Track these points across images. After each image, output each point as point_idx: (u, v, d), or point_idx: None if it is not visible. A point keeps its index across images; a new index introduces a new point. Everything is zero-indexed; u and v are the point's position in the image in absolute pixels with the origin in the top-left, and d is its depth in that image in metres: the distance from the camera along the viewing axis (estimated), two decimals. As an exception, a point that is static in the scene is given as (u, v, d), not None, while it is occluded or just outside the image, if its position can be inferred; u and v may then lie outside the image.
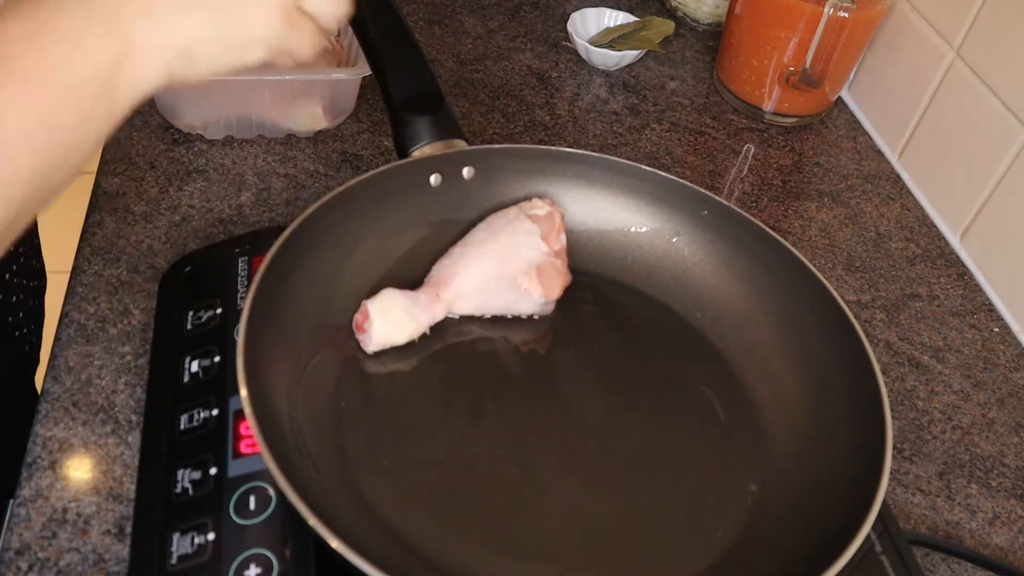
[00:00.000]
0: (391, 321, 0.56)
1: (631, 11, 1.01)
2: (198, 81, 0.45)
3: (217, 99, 0.76)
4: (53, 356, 0.59)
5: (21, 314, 0.71)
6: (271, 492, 0.49)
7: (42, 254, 0.79)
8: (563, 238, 0.62)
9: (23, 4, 0.40)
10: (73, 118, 0.41)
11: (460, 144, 0.63)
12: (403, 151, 0.62)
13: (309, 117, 0.79)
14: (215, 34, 0.44)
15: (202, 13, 0.43)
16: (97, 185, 0.72)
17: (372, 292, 0.57)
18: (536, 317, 0.61)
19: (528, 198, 0.63)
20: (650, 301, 0.64)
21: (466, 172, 0.63)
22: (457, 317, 0.59)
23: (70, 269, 0.65)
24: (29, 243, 0.75)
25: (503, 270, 0.59)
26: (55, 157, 0.40)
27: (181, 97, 0.75)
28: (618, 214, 0.65)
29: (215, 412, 0.53)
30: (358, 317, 0.56)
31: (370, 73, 0.67)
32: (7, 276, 0.69)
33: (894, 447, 0.63)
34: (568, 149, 0.65)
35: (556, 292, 0.60)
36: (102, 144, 0.43)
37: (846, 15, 0.82)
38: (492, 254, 0.59)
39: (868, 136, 0.95)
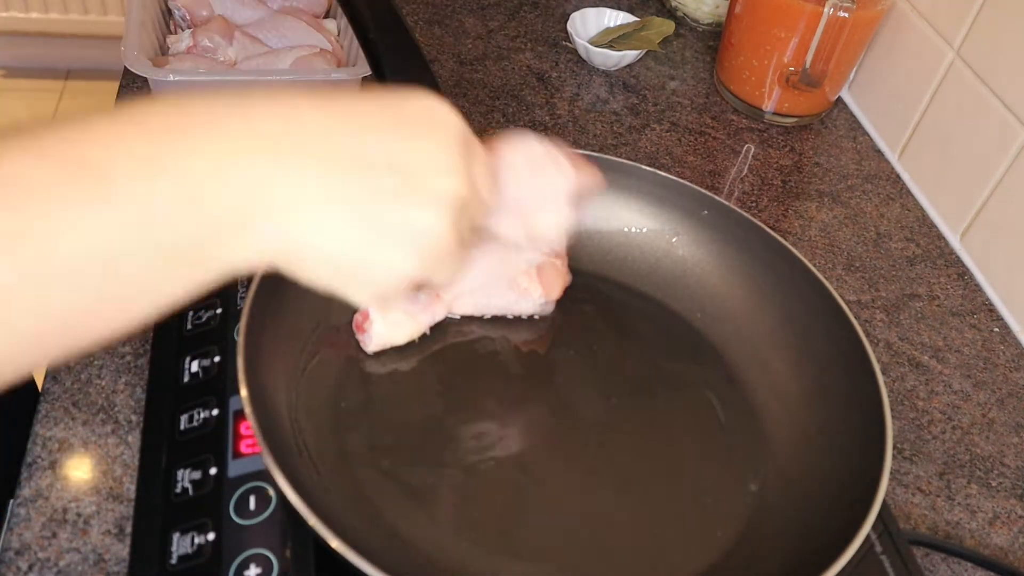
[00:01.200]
0: (391, 321, 0.56)
1: (631, 11, 1.01)
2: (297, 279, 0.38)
3: None
4: (53, 356, 0.59)
5: None
6: (271, 492, 0.49)
7: None
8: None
9: (181, 99, 0.35)
10: (148, 262, 0.33)
11: (460, 144, 0.63)
12: (403, 151, 0.62)
13: (309, 117, 0.79)
14: (352, 240, 0.37)
15: (350, 207, 0.37)
16: (97, 185, 0.72)
17: (372, 292, 0.57)
18: (536, 317, 0.61)
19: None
20: (650, 301, 0.63)
21: (466, 172, 0.63)
22: (457, 317, 0.59)
23: (70, 269, 0.65)
24: None
25: (503, 270, 0.59)
26: (101, 304, 0.33)
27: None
28: (618, 214, 0.65)
29: (215, 412, 0.53)
30: (358, 317, 0.56)
31: (370, 73, 0.67)
32: None
33: (894, 447, 0.63)
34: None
35: (556, 292, 0.60)
36: (153, 316, 0.35)
37: (846, 15, 0.82)
38: (492, 254, 0.59)
39: (868, 136, 0.95)
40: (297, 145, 0.36)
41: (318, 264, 0.37)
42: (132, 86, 0.82)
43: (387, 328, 0.56)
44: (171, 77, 0.72)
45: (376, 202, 0.37)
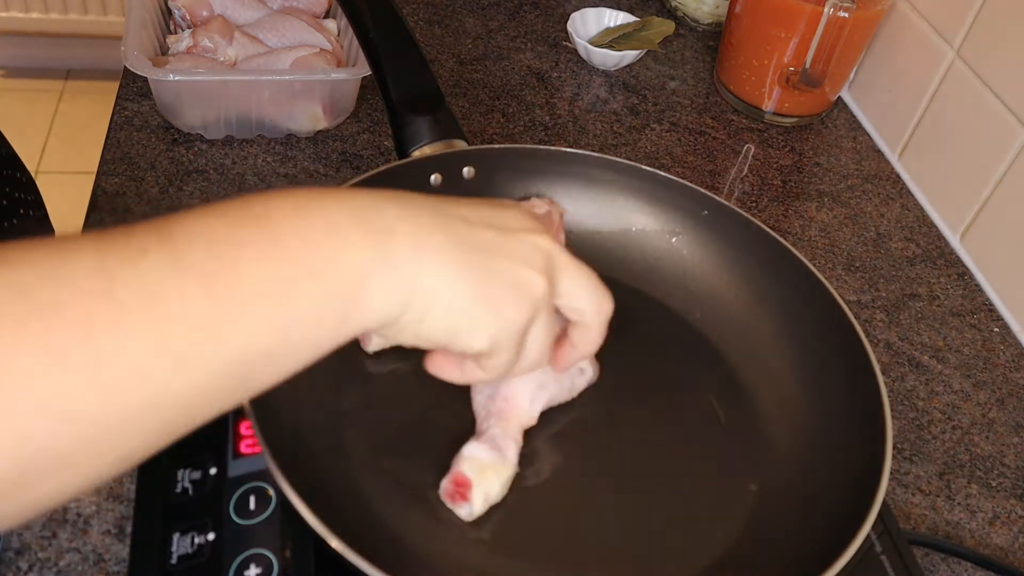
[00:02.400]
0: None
1: (631, 11, 1.01)
2: (398, 341, 0.41)
3: (217, 99, 0.76)
4: (53, 356, 0.59)
5: None
6: (271, 492, 0.49)
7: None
8: (562, 236, 0.62)
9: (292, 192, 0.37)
10: (292, 332, 0.35)
11: (460, 144, 0.63)
12: (403, 151, 0.62)
13: (309, 117, 0.79)
14: (463, 294, 0.39)
15: (463, 255, 0.40)
16: (97, 185, 0.72)
17: (372, 292, 0.57)
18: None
19: (527, 197, 0.63)
20: (650, 301, 0.63)
21: (466, 172, 0.63)
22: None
23: (70, 269, 0.65)
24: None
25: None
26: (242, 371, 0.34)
27: (181, 97, 0.75)
28: (618, 214, 0.65)
29: (215, 412, 0.53)
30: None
31: (370, 73, 0.67)
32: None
33: (894, 447, 0.63)
34: (568, 149, 0.65)
35: None
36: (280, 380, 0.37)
37: (846, 15, 0.82)
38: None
39: (868, 136, 0.95)
40: (409, 202, 0.40)
41: (440, 311, 0.39)
42: (132, 86, 0.82)
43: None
44: (171, 77, 0.72)
45: (483, 252, 0.40)
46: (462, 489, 0.49)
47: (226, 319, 0.32)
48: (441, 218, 0.40)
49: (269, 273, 0.34)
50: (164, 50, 0.82)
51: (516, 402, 0.53)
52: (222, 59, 0.80)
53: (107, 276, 0.30)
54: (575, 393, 0.56)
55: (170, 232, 0.33)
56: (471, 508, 0.49)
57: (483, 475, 0.49)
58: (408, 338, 0.41)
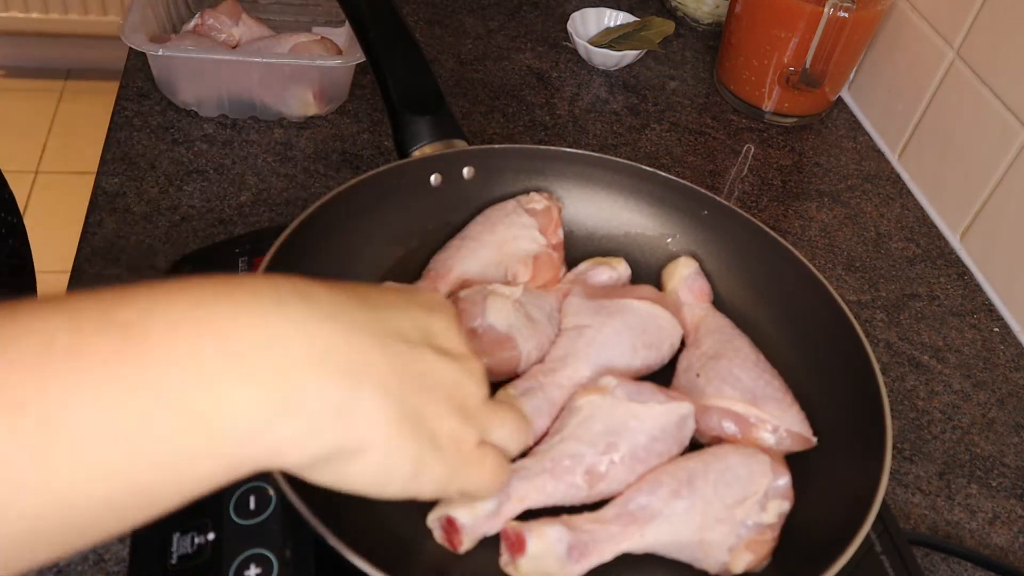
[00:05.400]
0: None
1: (631, 11, 1.01)
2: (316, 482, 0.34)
3: (208, 78, 0.77)
4: (53, 356, 0.59)
5: None
6: (271, 492, 0.49)
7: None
8: (560, 232, 0.62)
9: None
10: (179, 447, 0.28)
11: (460, 144, 0.63)
12: (403, 151, 0.62)
13: (300, 102, 0.80)
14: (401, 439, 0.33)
15: (405, 409, 0.33)
16: (97, 185, 0.72)
17: (372, 292, 0.57)
18: None
19: (527, 192, 0.63)
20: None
21: (466, 172, 0.63)
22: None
23: (70, 269, 0.65)
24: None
25: (500, 261, 0.59)
26: (116, 492, 0.27)
27: (176, 73, 0.77)
28: (618, 214, 0.65)
29: (215, 412, 0.53)
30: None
31: (360, 60, 0.67)
32: None
33: (894, 447, 0.63)
34: (568, 149, 0.65)
35: (542, 281, 0.60)
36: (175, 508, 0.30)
37: (846, 15, 0.82)
38: (489, 246, 0.59)
39: (868, 136, 0.95)
40: (338, 308, 0.33)
41: (377, 455, 0.33)
42: (132, 86, 0.82)
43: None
44: (160, 52, 0.74)
45: (423, 393, 0.34)
46: None
47: (35, 463, 0.25)
48: (378, 337, 0.33)
49: (113, 407, 0.26)
50: (177, 29, 0.84)
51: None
52: (224, 38, 0.81)
53: None
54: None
55: None
56: None
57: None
58: (329, 481, 0.34)
